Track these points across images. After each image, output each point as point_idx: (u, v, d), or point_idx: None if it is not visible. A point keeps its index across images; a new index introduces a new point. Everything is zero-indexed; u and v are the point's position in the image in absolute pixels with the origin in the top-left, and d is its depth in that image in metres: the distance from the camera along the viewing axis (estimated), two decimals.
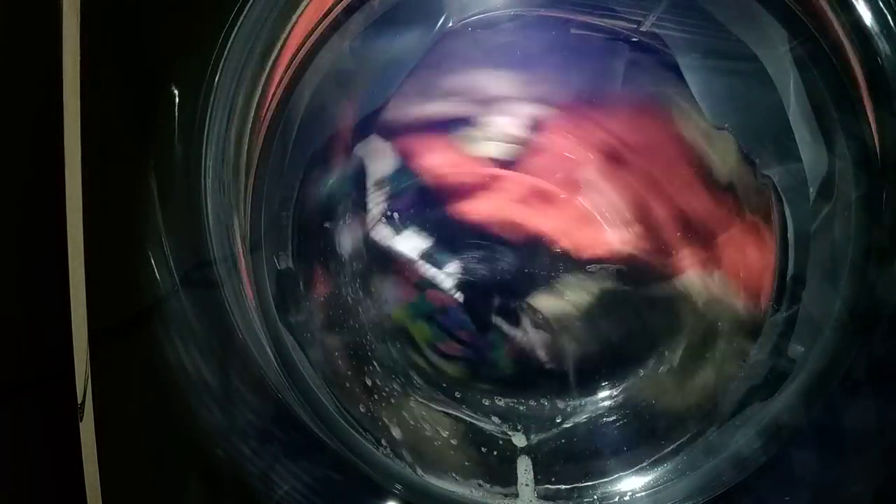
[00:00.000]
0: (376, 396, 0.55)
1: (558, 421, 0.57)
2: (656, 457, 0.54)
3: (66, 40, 0.42)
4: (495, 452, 0.55)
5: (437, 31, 0.53)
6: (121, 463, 0.44)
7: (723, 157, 0.55)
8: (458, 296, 0.59)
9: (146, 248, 0.44)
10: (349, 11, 0.51)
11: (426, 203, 0.58)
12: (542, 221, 0.58)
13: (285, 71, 0.51)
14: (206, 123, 0.45)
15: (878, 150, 0.49)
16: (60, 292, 0.42)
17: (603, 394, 0.57)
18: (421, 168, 0.57)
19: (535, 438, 0.56)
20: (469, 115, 0.57)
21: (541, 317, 0.58)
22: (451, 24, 0.53)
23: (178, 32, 0.44)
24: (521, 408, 0.57)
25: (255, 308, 0.49)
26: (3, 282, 0.45)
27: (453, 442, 0.54)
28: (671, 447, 0.54)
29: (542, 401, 0.57)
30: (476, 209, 0.58)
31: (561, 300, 0.59)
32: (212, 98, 0.45)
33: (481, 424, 0.56)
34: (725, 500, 0.50)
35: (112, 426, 0.43)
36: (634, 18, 0.54)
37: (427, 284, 0.58)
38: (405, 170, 0.57)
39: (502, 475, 0.54)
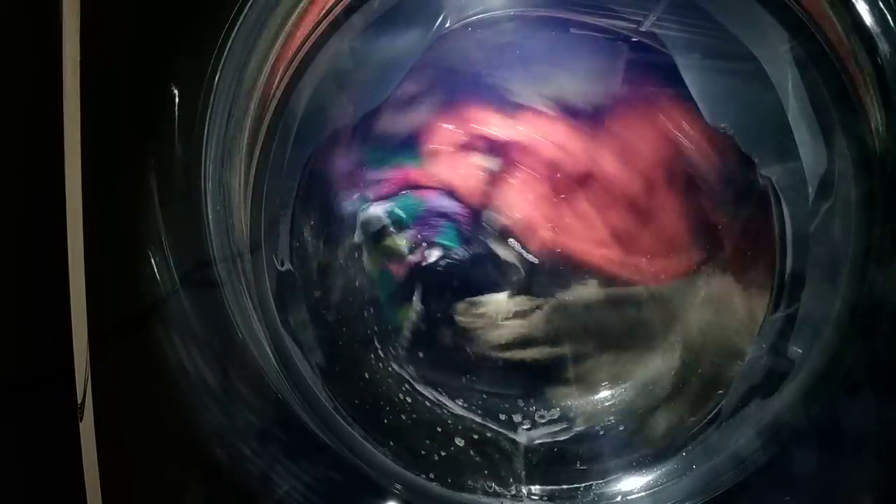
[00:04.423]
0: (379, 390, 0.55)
1: (559, 421, 0.57)
2: (656, 457, 0.54)
3: (66, 40, 0.42)
4: (497, 452, 0.55)
5: (436, 31, 0.53)
6: (121, 463, 0.44)
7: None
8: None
9: (146, 248, 0.44)
10: (349, 11, 0.52)
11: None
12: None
13: (285, 71, 0.51)
14: (206, 123, 0.45)
15: (878, 150, 0.49)
16: (60, 292, 0.42)
17: (603, 394, 0.57)
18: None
19: (535, 438, 0.56)
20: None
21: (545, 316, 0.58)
22: (448, 25, 0.53)
23: (178, 32, 0.44)
24: (521, 407, 0.57)
25: (255, 308, 0.49)
26: (4, 282, 0.45)
27: (455, 441, 0.54)
28: (671, 447, 0.54)
29: (543, 401, 0.57)
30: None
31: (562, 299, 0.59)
32: (212, 98, 0.45)
33: (483, 423, 0.56)
34: (725, 500, 0.50)
35: (112, 426, 0.43)
36: (634, 18, 0.54)
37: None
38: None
39: (503, 475, 0.54)
